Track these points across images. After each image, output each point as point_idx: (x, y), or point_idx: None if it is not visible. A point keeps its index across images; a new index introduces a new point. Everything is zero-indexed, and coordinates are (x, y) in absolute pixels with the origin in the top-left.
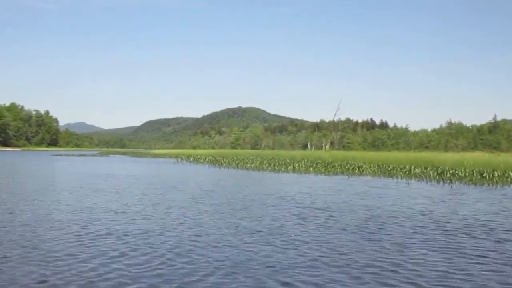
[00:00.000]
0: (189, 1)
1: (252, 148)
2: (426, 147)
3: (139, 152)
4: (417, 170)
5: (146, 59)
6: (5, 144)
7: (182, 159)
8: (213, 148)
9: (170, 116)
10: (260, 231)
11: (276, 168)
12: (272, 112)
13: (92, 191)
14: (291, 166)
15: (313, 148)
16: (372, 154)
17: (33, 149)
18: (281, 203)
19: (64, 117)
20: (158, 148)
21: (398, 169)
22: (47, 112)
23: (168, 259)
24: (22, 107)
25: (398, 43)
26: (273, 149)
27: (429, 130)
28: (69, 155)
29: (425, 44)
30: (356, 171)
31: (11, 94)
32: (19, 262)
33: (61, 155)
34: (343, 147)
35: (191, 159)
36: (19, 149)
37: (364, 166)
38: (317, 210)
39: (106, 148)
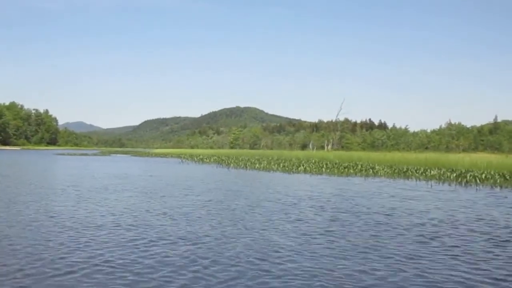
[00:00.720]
0: (188, 1)
1: (251, 148)
2: (426, 148)
3: (139, 151)
4: (433, 172)
5: (145, 59)
6: (5, 143)
7: (186, 159)
8: (211, 147)
9: (168, 116)
10: (373, 248)
11: (286, 168)
12: (270, 112)
13: (135, 193)
14: (302, 167)
15: (315, 148)
16: (376, 155)
17: (33, 148)
18: (325, 206)
19: (63, 116)
20: (157, 148)
21: (413, 170)
22: (46, 111)
23: (261, 270)
24: (22, 106)
25: (396, 43)
26: (271, 149)
27: (429, 131)
28: (71, 154)
29: (423, 44)
30: (370, 172)
31: (10, 93)
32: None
33: (63, 154)
34: (342, 147)
35: (196, 159)
36: (18, 148)
37: (377, 167)
38: (379, 215)
39: (104, 147)
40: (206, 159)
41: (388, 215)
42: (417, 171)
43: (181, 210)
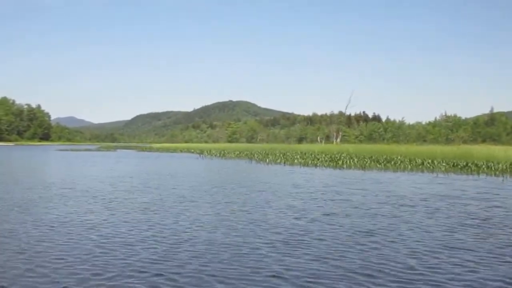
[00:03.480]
0: None
1: (248, 142)
2: (424, 140)
3: (142, 146)
4: (500, 165)
5: (136, 53)
6: None
7: (202, 154)
8: (206, 142)
9: (161, 110)
10: None
11: (331, 164)
12: (263, 105)
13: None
14: (341, 161)
15: (323, 141)
16: (391, 148)
17: (26, 144)
18: (420, 207)
19: (53, 112)
20: (150, 142)
21: (474, 165)
22: (38, 107)
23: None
24: (13, 101)
25: (389, 36)
26: (267, 142)
27: (423, 123)
28: (74, 150)
29: (416, 37)
30: (421, 167)
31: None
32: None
33: (66, 150)
34: (340, 140)
35: (215, 154)
36: (12, 144)
37: (433, 162)
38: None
39: (97, 142)
40: (229, 153)
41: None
42: (479, 166)
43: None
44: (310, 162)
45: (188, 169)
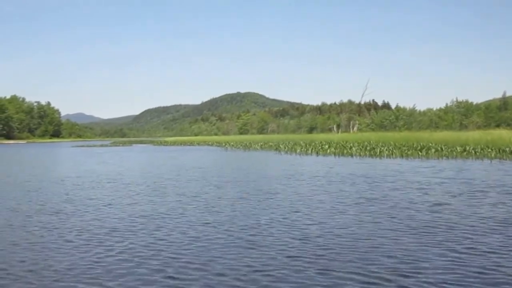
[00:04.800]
0: None
1: (259, 133)
2: (437, 127)
3: (157, 140)
4: None
5: (143, 48)
6: (9, 137)
7: (225, 146)
8: (215, 134)
9: (169, 104)
10: None
11: (367, 153)
12: (271, 96)
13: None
14: (378, 150)
15: (339, 130)
16: (408, 135)
17: (38, 141)
18: None
19: (62, 108)
20: (159, 136)
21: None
22: (48, 104)
23: None
24: (23, 99)
25: (393, 28)
26: (278, 133)
27: (434, 109)
28: (91, 146)
29: (423, 26)
30: (465, 154)
31: (8, 86)
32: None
33: (83, 146)
34: (356, 129)
35: (239, 146)
36: (24, 142)
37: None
38: None
39: (106, 137)
40: (253, 145)
41: None
42: None
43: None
44: (345, 152)
45: (228, 161)
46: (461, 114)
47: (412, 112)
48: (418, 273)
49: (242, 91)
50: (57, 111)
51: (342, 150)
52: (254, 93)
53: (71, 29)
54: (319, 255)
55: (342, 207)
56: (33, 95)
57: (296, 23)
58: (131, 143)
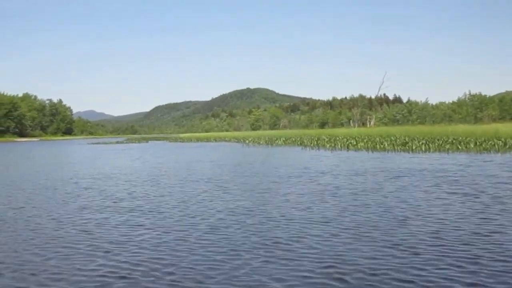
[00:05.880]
0: None
1: (271, 128)
2: (451, 121)
3: (172, 137)
4: None
5: (153, 45)
6: (22, 134)
7: (245, 142)
8: (227, 130)
9: (179, 101)
10: None
11: (402, 147)
12: (281, 92)
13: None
14: (412, 144)
15: (356, 125)
16: (432, 129)
17: (51, 139)
18: None
19: (73, 106)
20: (170, 133)
21: None
22: (60, 101)
23: None
24: (35, 97)
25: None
26: (289, 128)
27: (446, 103)
28: (107, 143)
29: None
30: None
31: (20, 85)
32: None
33: (98, 143)
34: (363, 124)
35: (261, 141)
36: (37, 139)
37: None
38: None
39: (117, 134)
40: (277, 140)
41: None
42: None
43: None
44: (378, 147)
45: (264, 157)
46: (474, 107)
47: (425, 106)
48: None
49: (252, 87)
50: (69, 109)
51: (374, 145)
52: (264, 88)
53: (79, 25)
54: None
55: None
56: (45, 93)
57: (305, 18)
58: (146, 139)
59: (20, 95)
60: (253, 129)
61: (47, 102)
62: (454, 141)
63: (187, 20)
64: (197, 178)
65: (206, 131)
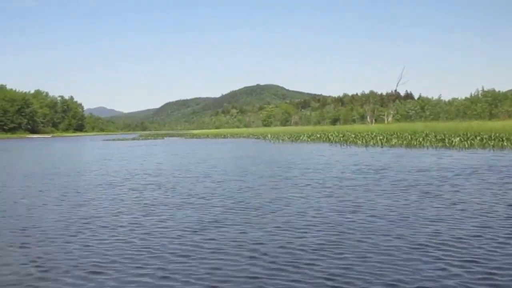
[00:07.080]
0: None
1: (282, 125)
2: (465, 117)
3: (186, 133)
4: None
5: (163, 41)
6: (33, 131)
7: (267, 138)
8: (237, 127)
9: (189, 97)
10: None
11: (439, 144)
12: (291, 88)
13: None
14: (449, 140)
15: (373, 121)
16: (458, 125)
17: (62, 135)
18: None
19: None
20: (181, 129)
21: None
22: (71, 98)
23: None
24: (47, 93)
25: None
26: (301, 125)
27: (459, 99)
28: (121, 139)
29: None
30: None
31: (32, 81)
32: None
33: (114, 140)
34: (375, 120)
35: (284, 138)
36: (49, 136)
37: None
38: None
39: (128, 131)
40: (302, 137)
41: None
42: None
43: None
44: (414, 143)
45: (296, 154)
46: (488, 104)
47: (438, 102)
48: None
49: (262, 83)
50: (80, 105)
51: (410, 141)
52: (274, 85)
53: (89, 22)
54: None
55: None
56: (56, 90)
57: (314, 15)
58: (161, 136)
59: (32, 91)
60: (265, 126)
61: (58, 98)
62: (495, 137)
63: (197, 17)
64: (257, 177)
65: (217, 128)
